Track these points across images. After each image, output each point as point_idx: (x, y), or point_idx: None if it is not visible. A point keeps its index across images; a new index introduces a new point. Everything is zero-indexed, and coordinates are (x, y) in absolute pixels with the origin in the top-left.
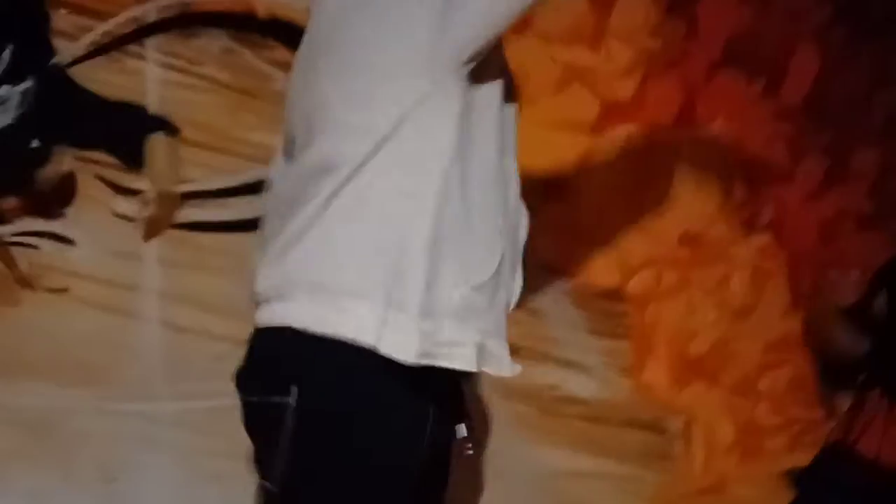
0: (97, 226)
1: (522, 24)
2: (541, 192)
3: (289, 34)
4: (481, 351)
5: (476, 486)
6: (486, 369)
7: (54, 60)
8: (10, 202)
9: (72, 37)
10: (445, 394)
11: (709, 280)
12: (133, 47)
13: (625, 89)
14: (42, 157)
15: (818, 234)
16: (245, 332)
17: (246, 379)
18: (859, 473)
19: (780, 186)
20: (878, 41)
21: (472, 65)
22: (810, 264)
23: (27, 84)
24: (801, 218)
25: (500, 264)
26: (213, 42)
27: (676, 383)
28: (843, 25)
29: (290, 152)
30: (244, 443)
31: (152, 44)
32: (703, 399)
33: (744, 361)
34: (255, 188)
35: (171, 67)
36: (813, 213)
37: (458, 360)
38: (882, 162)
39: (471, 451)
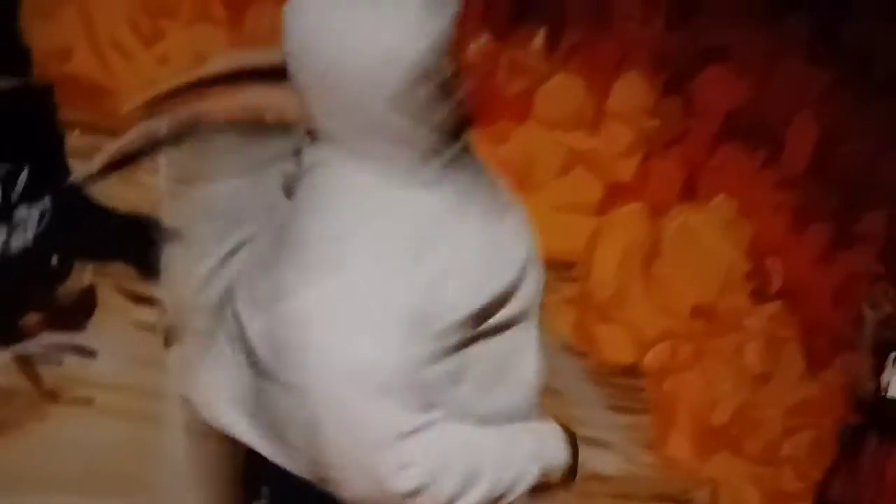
0: (118, 336)
1: (525, 112)
2: (553, 273)
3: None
4: None
5: None
6: None
7: (70, 179)
8: (33, 318)
9: (86, 156)
10: None
11: (724, 350)
12: (146, 162)
13: (627, 170)
14: (62, 273)
15: (830, 299)
16: None
17: None
18: None
19: (788, 254)
20: (881, 103)
21: None
22: (824, 329)
23: (45, 204)
24: (812, 284)
25: None
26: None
27: (700, 454)
28: (844, 90)
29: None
30: None
31: (165, 158)
32: (727, 468)
33: (765, 429)
34: None
35: (184, 180)
36: (823, 279)
37: None
38: (891, 223)
39: None
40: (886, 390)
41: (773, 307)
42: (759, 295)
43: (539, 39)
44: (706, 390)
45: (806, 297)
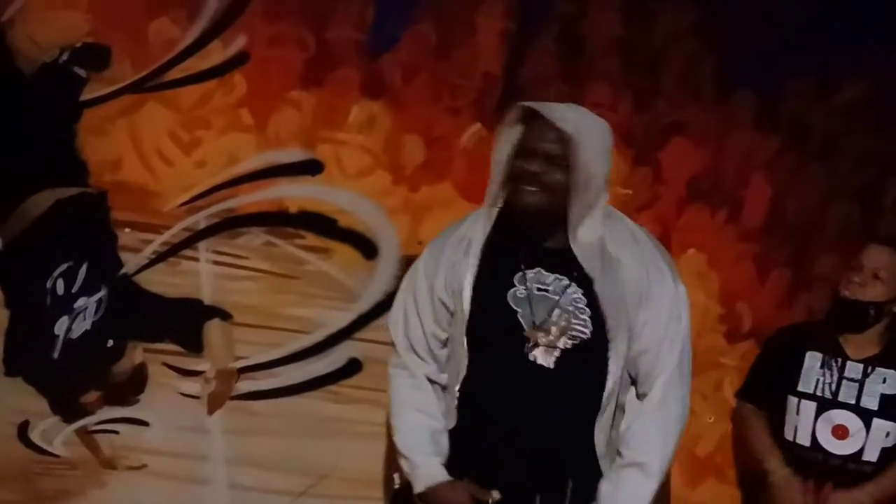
0: (167, 406)
1: None
2: None
3: (317, 224)
4: None
5: None
6: None
7: (122, 271)
8: (92, 396)
9: (135, 250)
10: None
11: (704, 387)
12: (187, 251)
13: None
14: (117, 353)
15: None
16: (301, 486)
17: None
18: None
19: (755, 298)
20: (821, 163)
21: None
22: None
23: (101, 294)
24: (777, 323)
25: None
26: (254, 238)
27: (688, 483)
28: (789, 154)
29: None
30: None
31: (203, 246)
32: (715, 493)
33: (747, 455)
34: (300, 356)
35: (221, 264)
36: (787, 318)
37: None
38: (844, 264)
39: None
40: (794, 436)
41: (745, 345)
42: (733, 335)
43: None
44: (691, 424)
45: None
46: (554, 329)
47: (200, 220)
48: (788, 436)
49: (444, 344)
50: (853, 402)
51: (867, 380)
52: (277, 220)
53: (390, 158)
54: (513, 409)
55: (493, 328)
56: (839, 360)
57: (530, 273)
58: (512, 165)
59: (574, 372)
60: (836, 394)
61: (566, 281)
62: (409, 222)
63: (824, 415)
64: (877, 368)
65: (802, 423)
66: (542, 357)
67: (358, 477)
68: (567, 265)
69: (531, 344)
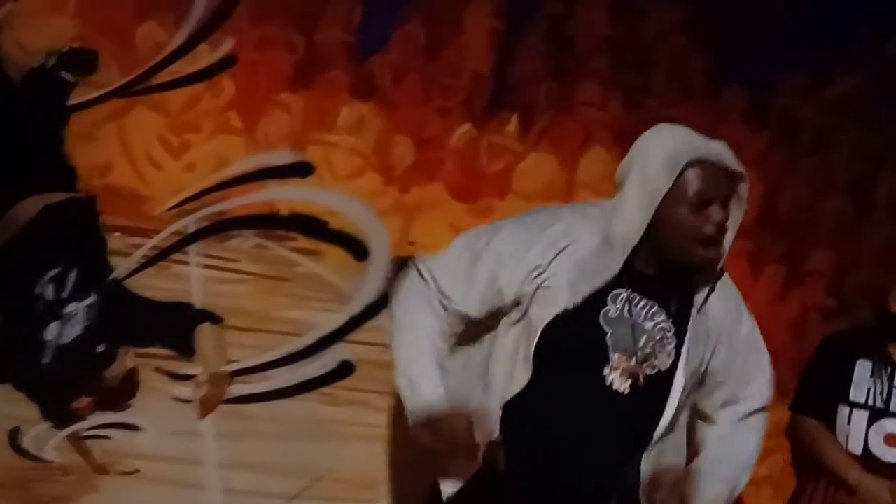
0: (159, 411)
1: (505, 188)
2: None
3: (307, 226)
4: None
5: None
6: None
7: (112, 276)
8: (84, 401)
9: (125, 254)
10: None
11: None
12: (177, 255)
13: None
14: (108, 358)
15: (788, 333)
16: (295, 489)
17: None
18: None
19: (748, 295)
20: (810, 159)
21: None
22: (786, 359)
23: (91, 299)
24: (771, 320)
25: None
26: (245, 241)
27: None
28: (779, 150)
29: None
30: None
31: (193, 250)
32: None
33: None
34: (292, 359)
35: (211, 267)
36: (781, 314)
37: None
38: (837, 259)
39: None
40: (846, 444)
41: None
42: None
43: (513, 125)
44: None
45: (767, 331)
46: (639, 354)
47: (190, 223)
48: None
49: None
50: None
51: None
52: (268, 223)
53: (380, 159)
54: (577, 431)
55: (576, 345)
56: (889, 368)
57: (623, 293)
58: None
59: (644, 402)
60: (887, 402)
61: (656, 308)
62: (400, 223)
63: (876, 424)
64: None
65: (854, 432)
66: (619, 382)
67: (353, 479)
68: (661, 293)
69: (613, 367)
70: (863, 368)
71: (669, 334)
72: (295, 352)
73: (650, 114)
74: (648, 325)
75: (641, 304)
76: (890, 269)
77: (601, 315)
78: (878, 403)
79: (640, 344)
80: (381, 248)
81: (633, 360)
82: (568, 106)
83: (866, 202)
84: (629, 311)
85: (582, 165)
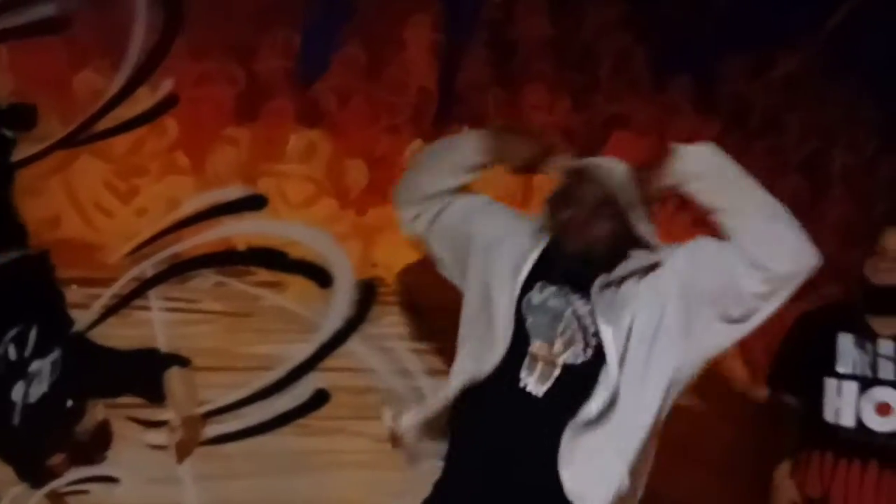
0: (136, 460)
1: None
2: None
3: (267, 259)
4: None
5: None
6: None
7: (74, 329)
8: (58, 458)
9: (84, 306)
10: None
11: None
12: (138, 301)
13: None
14: (78, 413)
15: None
16: None
17: None
18: None
19: None
20: (761, 142)
21: None
22: (754, 343)
23: (54, 355)
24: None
25: None
26: (205, 280)
27: (666, 470)
28: (730, 135)
29: None
30: None
31: (153, 294)
32: (692, 480)
33: (723, 437)
34: (265, 394)
35: (173, 310)
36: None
37: None
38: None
39: None
40: (838, 418)
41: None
42: None
43: None
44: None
45: None
46: (558, 342)
47: (147, 268)
48: (830, 418)
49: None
50: (892, 378)
51: None
52: (226, 260)
53: (334, 184)
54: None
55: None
56: (871, 338)
57: (552, 287)
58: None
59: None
60: (874, 372)
61: (577, 295)
62: (360, 246)
63: (866, 394)
64: None
65: (845, 404)
66: (534, 386)
67: None
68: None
69: (531, 360)
70: (845, 341)
71: (588, 321)
72: (267, 386)
73: (599, 112)
74: (567, 311)
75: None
76: (850, 244)
77: (523, 302)
78: (867, 373)
79: (560, 330)
80: (343, 273)
81: (553, 347)
82: (516, 111)
83: (821, 179)
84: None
85: None
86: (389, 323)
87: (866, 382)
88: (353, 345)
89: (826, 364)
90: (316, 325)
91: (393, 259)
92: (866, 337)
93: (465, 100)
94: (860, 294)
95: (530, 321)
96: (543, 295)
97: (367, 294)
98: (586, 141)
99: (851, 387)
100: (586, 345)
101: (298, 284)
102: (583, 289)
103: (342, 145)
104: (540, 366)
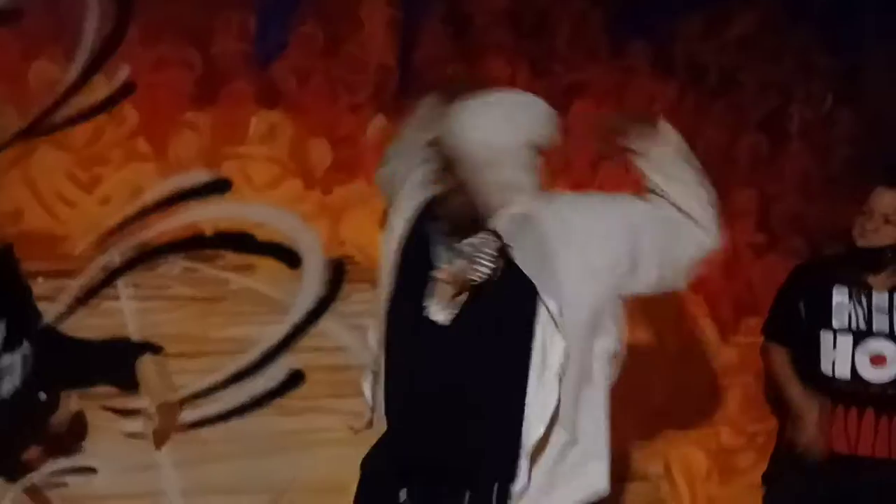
0: (113, 449)
1: None
2: None
3: (234, 242)
4: None
5: None
6: None
7: (43, 322)
8: (34, 452)
9: (52, 298)
10: None
11: (647, 338)
12: (107, 291)
13: None
14: (51, 405)
15: (723, 273)
16: None
17: None
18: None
19: None
20: (721, 99)
21: None
22: (724, 299)
23: (25, 349)
24: (706, 262)
25: None
26: (173, 266)
27: (648, 433)
28: (690, 95)
29: None
30: None
31: (122, 283)
32: (673, 440)
33: (696, 397)
34: (240, 377)
35: (143, 297)
36: (714, 256)
37: None
38: (760, 195)
39: None
40: (833, 369)
41: (680, 291)
42: None
43: None
44: (637, 375)
45: (702, 274)
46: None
47: (114, 257)
48: (826, 370)
49: None
50: (887, 330)
51: (895, 310)
52: (194, 245)
53: (298, 165)
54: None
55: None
56: (866, 292)
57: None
58: None
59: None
60: (869, 324)
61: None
62: (327, 225)
63: (861, 346)
64: None
65: (840, 356)
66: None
67: (318, 486)
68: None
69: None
70: (840, 294)
71: (486, 250)
72: (241, 369)
73: (558, 80)
74: (466, 246)
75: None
76: (810, 197)
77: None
78: (862, 326)
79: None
80: (312, 252)
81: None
82: (476, 83)
83: (781, 134)
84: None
85: None
86: (361, 300)
87: (861, 335)
88: (326, 323)
89: (821, 317)
90: (287, 305)
91: (361, 236)
92: (861, 290)
93: (424, 74)
94: (853, 255)
95: (433, 249)
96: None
97: (337, 272)
98: None
99: (847, 339)
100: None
101: (267, 266)
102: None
103: (304, 125)
104: (446, 289)
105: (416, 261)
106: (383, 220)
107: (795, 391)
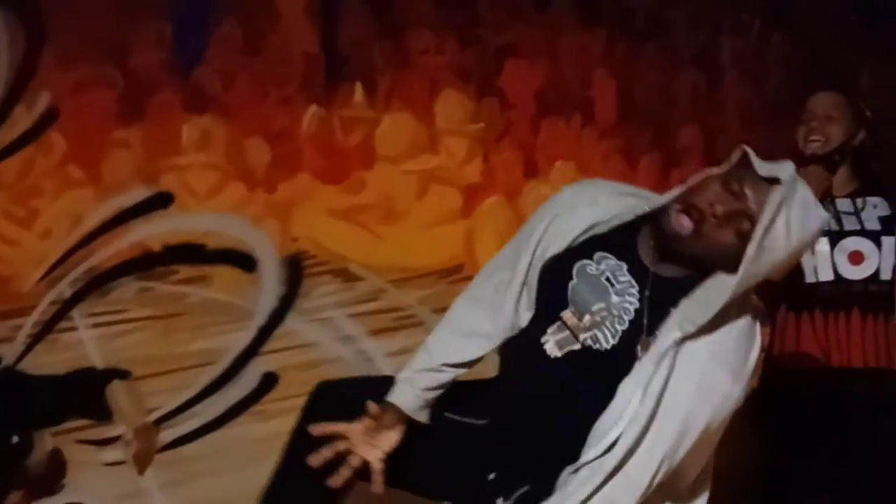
0: (96, 481)
1: (370, 157)
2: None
3: (185, 255)
4: None
5: None
6: None
7: (2, 365)
8: (15, 497)
9: (9, 339)
10: None
11: None
12: (63, 324)
13: (474, 172)
14: (25, 447)
15: None
16: None
17: None
18: (783, 378)
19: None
20: (650, 43)
21: None
22: None
23: None
24: None
25: None
26: (127, 289)
27: None
28: (620, 43)
29: None
30: None
31: (77, 313)
32: None
33: None
34: (212, 389)
35: (101, 325)
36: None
37: None
38: (703, 130)
39: None
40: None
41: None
42: None
43: (359, 93)
44: None
45: None
46: (587, 319)
47: (65, 288)
48: (811, 279)
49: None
50: (859, 228)
51: (861, 211)
52: (144, 264)
53: (237, 167)
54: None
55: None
56: (829, 198)
57: (610, 261)
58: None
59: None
60: (840, 226)
61: (636, 288)
62: (277, 224)
63: (838, 245)
64: (865, 199)
65: (821, 260)
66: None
67: None
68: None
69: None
70: None
71: (626, 318)
72: (213, 381)
73: (487, 44)
74: (615, 298)
75: (625, 278)
76: (750, 124)
77: (576, 265)
78: (833, 226)
79: (594, 308)
80: (266, 253)
81: (582, 320)
82: (406, 59)
83: (715, 68)
84: (606, 277)
85: (438, 113)
86: (322, 293)
87: (834, 236)
88: (291, 322)
89: None
90: (249, 310)
91: (312, 230)
92: (824, 198)
93: (351, 57)
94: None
95: (573, 284)
96: (601, 267)
97: (295, 269)
98: (481, 75)
99: (822, 242)
100: (606, 336)
101: (223, 274)
102: (642, 280)
103: (237, 126)
104: (565, 333)
105: (560, 270)
106: (334, 211)
107: None
